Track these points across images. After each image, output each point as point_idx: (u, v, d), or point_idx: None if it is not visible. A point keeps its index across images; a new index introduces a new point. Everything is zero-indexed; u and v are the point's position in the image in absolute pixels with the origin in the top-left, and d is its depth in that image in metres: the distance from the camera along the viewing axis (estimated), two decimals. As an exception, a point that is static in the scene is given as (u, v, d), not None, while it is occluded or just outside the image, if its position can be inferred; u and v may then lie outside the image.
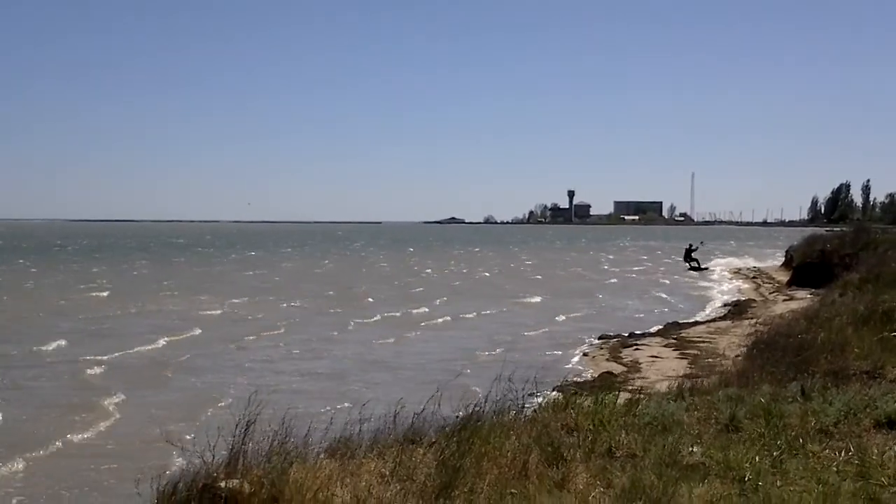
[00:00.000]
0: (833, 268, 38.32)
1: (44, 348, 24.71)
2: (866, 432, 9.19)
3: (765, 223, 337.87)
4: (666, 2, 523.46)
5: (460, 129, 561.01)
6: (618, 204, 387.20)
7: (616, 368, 21.65)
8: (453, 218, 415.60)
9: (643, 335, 28.31)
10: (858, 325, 16.18)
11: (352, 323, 32.01)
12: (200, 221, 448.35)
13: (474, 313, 35.67)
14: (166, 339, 26.88)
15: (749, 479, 7.69)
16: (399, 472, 7.59)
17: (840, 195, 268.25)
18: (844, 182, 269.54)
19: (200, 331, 29.08)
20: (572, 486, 7.58)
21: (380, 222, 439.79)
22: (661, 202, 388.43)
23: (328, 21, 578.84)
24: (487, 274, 64.11)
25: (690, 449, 8.55)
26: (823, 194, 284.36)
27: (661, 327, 30.39)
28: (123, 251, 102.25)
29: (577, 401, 10.46)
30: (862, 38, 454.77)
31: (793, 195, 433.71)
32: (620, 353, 24.51)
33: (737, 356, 18.60)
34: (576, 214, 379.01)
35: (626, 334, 28.63)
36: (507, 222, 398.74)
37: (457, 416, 8.90)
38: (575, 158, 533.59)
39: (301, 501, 6.85)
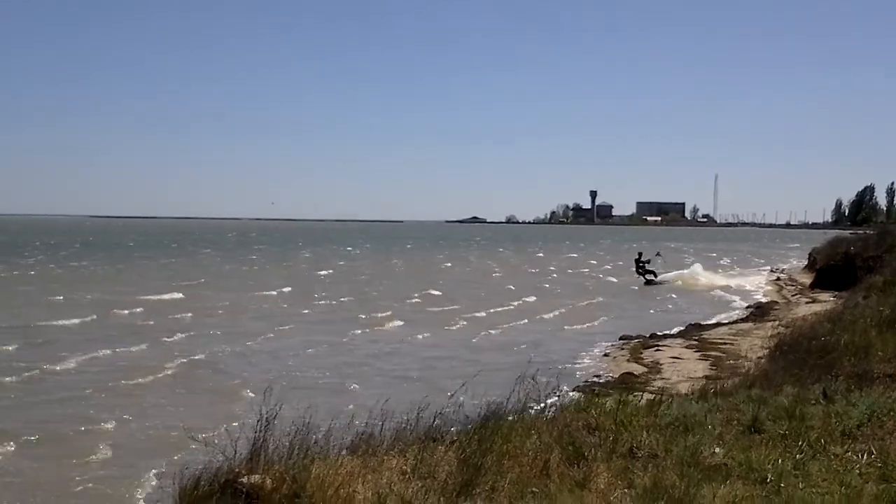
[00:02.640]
0: (857, 270, 38.07)
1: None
2: (889, 435, 9.12)
3: (788, 225, 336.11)
4: (689, 4, 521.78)
5: (483, 128, 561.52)
6: (640, 205, 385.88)
7: (637, 369, 21.59)
8: (475, 217, 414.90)
9: (664, 336, 28.22)
10: (882, 328, 16.04)
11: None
12: (222, 219, 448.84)
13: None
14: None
15: (771, 481, 7.67)
16: (420, 470, 7.60)
17: (864, 197, 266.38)
18: (869, 185, 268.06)
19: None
20: (594, 486, 7.57)
21: (401, 221, 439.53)
22: (683, 203, 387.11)
23: (354, 19, 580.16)
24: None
25: (712, 450, 8.52)
26: (848, 196, 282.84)
27: (682, 328, 30.28)
28: (201, 246, 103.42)
29: (599, 401, 10.45)
30: (889, 40, 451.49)
31: (817, 197, 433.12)
32: (641, 353, 24.43)
33: (759, 358, 18.51)
34: (598, 215, 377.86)
35: (648, 335, 28.53)
36: (529, 222, 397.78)
37: (479, 415, 8.90)
38: (598, 159, 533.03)
39: (323, 497, 6.86)
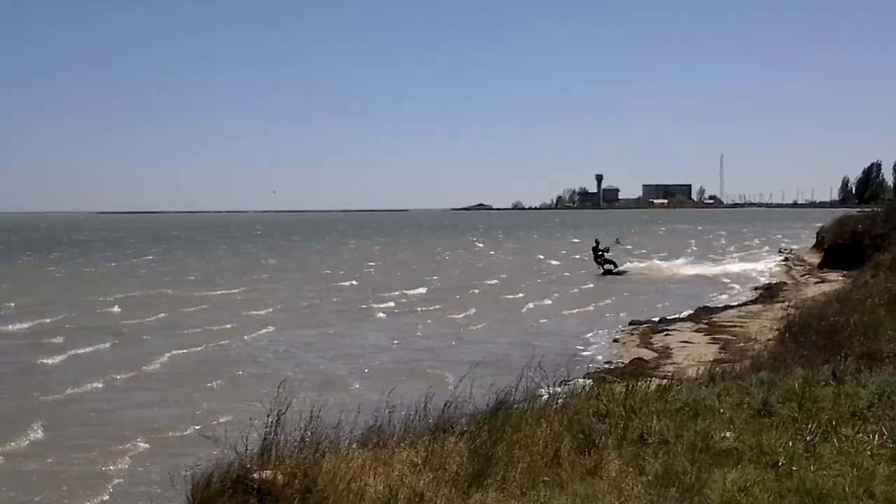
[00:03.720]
0: (865, 249, 38.01)
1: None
2: (900, 415, 9.11)
3: (795, 205, 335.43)
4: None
5: (487, 114, 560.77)
6: (646, 187, 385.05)
7: (647, 354, 21.59)
8: (481, 204, 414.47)
9: (674, 320, 28.21)
10: (891, 307, 16.01)
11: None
12: (225, 212, 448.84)
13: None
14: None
15: (782, 464, 7.67)
16: (431, 461, 7.61)
17: (871, 175, 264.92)
18: (875, 161, 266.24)
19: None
20: (605, 473, 7.58)
21: (407, 210, 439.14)
22: (689, 185, 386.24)
23: (356, 6, 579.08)
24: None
25: (723, 434, 8.52)
26: (854, 174, 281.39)
27: (691, 312, 30.25)
28: (218, 242, 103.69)
29: (609, 387, 10.44)
30: (893, 17, 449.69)
31: (823, 176, 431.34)
32: (651, 338, 24.43)
33: (768, 340, 18.48)
34: (604, 199, 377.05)
35: (657, 319, 28.51)
36: (536, 208, 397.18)
37: (488, 404, 8.90)
38: (603, 142, 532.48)
39: (334, 491, 6.87)
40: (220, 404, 17.19)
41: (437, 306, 33.97)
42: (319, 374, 20.59)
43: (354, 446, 7.89)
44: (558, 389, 10.51)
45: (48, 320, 30.09)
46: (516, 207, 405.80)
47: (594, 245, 50.80)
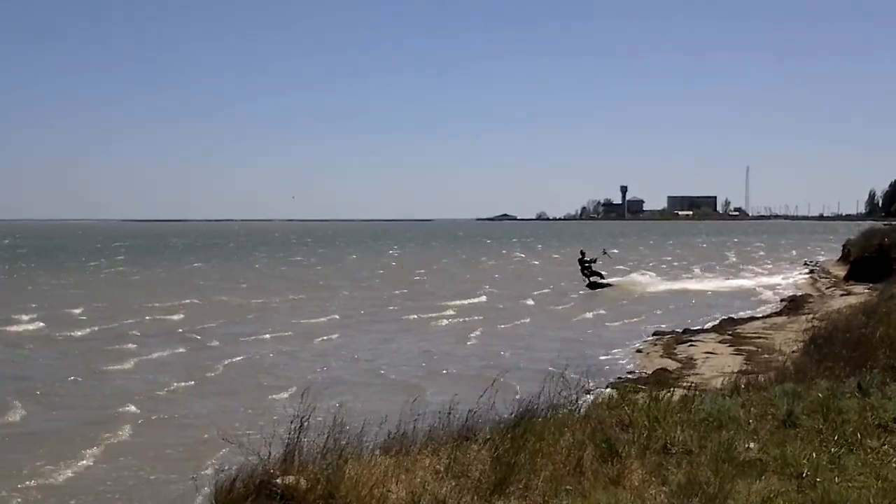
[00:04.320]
0: (891, 262, 37.79)
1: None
2: (926, 428, 9.06)
3: (821, 217, 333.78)
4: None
5: (511, 123, 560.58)
6: (671, 199, 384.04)
7: (670, 364, 21.50)
8: (505, 215, 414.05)
9: (698, 331, 28.09)
10: (918, 320, 15.91)
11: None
12: (251, 220, 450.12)
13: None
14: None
15: (807, 476, 7.64)
16: (454, 469, 7.62)
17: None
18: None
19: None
20: (628, 483, 7.57)
21: (431, 220, 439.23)
22: (715, 197, 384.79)
23: (382, 13, 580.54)
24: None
25: (747, 445, 8.50)
26: (881, 187, 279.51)
27: (715, 323, 30.12)
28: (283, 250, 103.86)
29: (632, 397, 10.42)
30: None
31: (850, 188, 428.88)
32: (675, 349, 24.34)
33: (793, 352, 18.37)
34: (628, 210, 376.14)
35: (681, 330, 28.41)
36: (560, 218, 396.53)
37: (511, 413, 8.91)
38: (628, 153, 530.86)
39: (357, 497, 6.89)
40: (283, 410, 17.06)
41: (489, 315, 33.93)
42: (380, 378, 20.86)
43: (377, 453, 7.91)
44: (582, 398, 10.51)
45: (115, 325, 30.43)
46: (540, 218, 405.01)
47: (580, 257, 47.67)
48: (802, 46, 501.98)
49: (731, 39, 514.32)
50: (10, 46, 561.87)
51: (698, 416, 9.52)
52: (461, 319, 32.64)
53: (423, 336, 28.65)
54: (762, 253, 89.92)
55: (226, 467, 7.55)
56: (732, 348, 23.54)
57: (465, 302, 38.68)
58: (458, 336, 28.46)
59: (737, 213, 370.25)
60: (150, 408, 17.56)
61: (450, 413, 8.66)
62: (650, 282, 49.50)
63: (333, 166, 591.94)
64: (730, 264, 71.25)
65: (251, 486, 7.13)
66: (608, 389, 15.26)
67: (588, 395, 11.43)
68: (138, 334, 28.05)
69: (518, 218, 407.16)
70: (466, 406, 8.85)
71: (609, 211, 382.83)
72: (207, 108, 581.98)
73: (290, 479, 7.10)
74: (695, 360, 22.01)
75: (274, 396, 18.27)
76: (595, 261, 46.95)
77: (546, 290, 45.72)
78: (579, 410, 9.85)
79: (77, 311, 34.53)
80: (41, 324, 30.43)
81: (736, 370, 18.32)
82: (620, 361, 23.11)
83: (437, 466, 7.68)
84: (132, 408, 17.43)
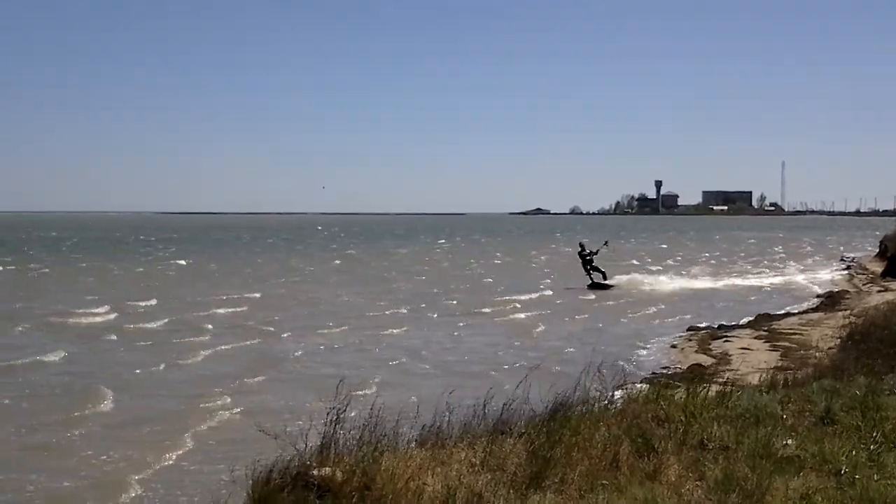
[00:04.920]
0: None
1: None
2: (967, 425, 8.96)
3: (858, 213, 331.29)
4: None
5: (545, 118, 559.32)
6: (706, 194, 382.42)
7: (705, 360, 21.37)
8: (539, 209, 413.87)
9: (733, 327, 27.90)
10: (958, 317, 15.76)
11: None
12: (287, 213, 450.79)
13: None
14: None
15: (845, 473, 7.58)
16: (489, 462, 7.62)
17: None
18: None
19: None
20: (664, 478, 7.53)
21: (464, 213, 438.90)
22: (750, 192, 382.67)
23: (423, 8, 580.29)
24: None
25: (785, 441, 8.44)
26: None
27: (751, 319, 29.91)
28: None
29: (668, 392, 10.38)
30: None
31: (887, 184, 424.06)
32: (709, 344, 24.19)
33: (830, 348, 18.24)
34: (663, 205, 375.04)
35: (716, 326, 28.25)
36: (594, 213, 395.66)
37: (546, 407, 8.89)
38: (663, 147, 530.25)
39: (393, 490, 6.90)
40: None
41: (551, 309, 33.92)
42: (447, 369, 20.86)
43: (413, 445, 7.92)
44: (617, 393, 10.48)
45: (185, 316, 30.76)
46: (574, 212, 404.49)
47: (579, 250, 42.80)
48: (839, 41, 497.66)
49: (768, 34, 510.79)
50: (51, 38, 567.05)
51: (735, 412, 9.47)
52: (524, 315, 32.33)
53: (489, 329, 28.62)
54: (809, 248, 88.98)
55: (263, 459, 7.56)
56: (768, 344, 23.37)
57: (526, 297, 38.21)
58: (522, 330, 28.44)
59: (772, 208, 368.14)
60: (221, 398, 17.58)
61: (485, 406, 8.66)
62: (691, 279, 48.28)
63: (363, 159, 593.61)
64: (777, 260, 70.69)
65: (287, 478, 7.16)
66: (642, 384, 15.22)
67: (622, 390, 11.39)
68: (210, 327, 28.16)
69: (552, 212, 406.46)
70: (501, 399, 8.84)
71: (643, 206, 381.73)
72: (227, 106, 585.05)
73: (327, 470, 7.12)
74: (730, 355, 21.86)
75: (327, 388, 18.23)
76: (596, 252, 42.20)
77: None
78: (614, 405, 9.83)
79: (147, 303, 34.80)
80: (113, 315, 30.72)
81: (772, 366, 18.21)
82: (654, 357, 23.01)
83: (473, 459, 7.68)
84: (208, 397, 17.51)
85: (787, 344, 23.02)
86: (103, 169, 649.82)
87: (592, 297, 38.89)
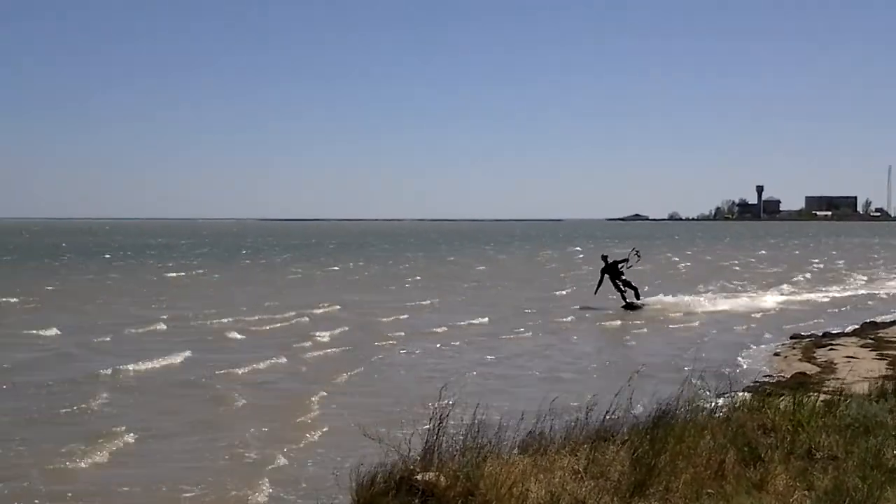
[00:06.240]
0: None
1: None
2: None
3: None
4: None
5: (643, 121, 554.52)
6: (809, 199, 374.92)
7: (809, 369, 20.97)
8: (637, 215, 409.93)
9: (838, 335, 27.31)
10: None
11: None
12: (383, 220, 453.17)
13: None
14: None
15: (960, 485, 7.37)
16: (592, 469, 7.60)
17: None
18: None
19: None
20: (771, 488, 7.43)
21: (561, 220, 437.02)
22: (855, 197, 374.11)
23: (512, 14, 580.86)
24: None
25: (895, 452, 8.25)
26: None
27: (857, 327, 29.25)
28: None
29: (773, 401, 10.22)
30: None
31: None
32: (814, 353, 23.71)
33: (941, 357, 17.76)
34: (764, 210, 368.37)
35: (821, 334, 27.69)
36: (693, 219, 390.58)
37: (648, 414, 8.83)
38: (764, 151, 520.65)
39: (496, 496, 6.93)
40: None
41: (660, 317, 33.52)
42: (546, 376, 20.56)
43: (515, 451, 7.94)
44: (720, 401, 10.36)
45: (293, 319, 31.05)
46: (673, 218, 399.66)
47: (604, 263, 35.92)
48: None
49: (873, 33, 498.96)
50: (85, 48, 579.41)
51: (843, 422, 9.29)
52: (619, 322, 31.93)
53: (593, 335, 28.52)
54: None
55: (366, 462, 7.64)
56: (875, 353, 22.83)
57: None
58: (627, 335, 28.40)
59: (878, 213, 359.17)
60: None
61: (587, 413, 8.63)
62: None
63: (458, 165, 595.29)
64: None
65: (392, 482, 7.24)
66: (745, 393, 15.00)
67: (725, 398, 11.25)
68: (316, 330, 28.23)
69: (650, 218, 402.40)
70: (604, 405, 8.80)
71: (744, 211, 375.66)
72: (301, 108, 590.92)
73: (431, 475, 7.18)
74: (835, 364, 21.41)
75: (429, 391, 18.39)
76: (626, 262, 35.65)
77: (711, 289, 44.56)
78: (718, 413, 9.72)
79: (262, 305, 35.33)
80: (229, 318, 30.74)
81: (879, 375, 17.80)
82: (756, 365, 22.62)
83: (576, 466, 7.67)
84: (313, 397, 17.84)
85: (894, 353, 22.49)
86: (204, 178, 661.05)
87: (703, 299, 38.15)
